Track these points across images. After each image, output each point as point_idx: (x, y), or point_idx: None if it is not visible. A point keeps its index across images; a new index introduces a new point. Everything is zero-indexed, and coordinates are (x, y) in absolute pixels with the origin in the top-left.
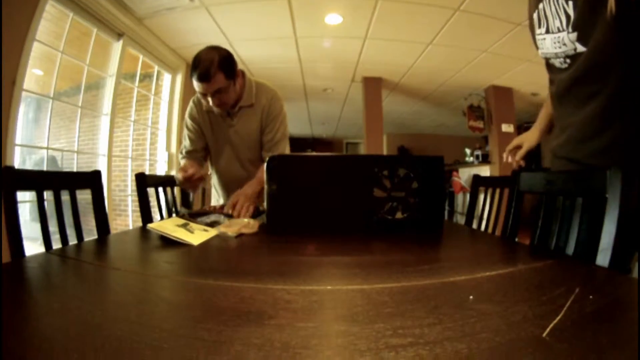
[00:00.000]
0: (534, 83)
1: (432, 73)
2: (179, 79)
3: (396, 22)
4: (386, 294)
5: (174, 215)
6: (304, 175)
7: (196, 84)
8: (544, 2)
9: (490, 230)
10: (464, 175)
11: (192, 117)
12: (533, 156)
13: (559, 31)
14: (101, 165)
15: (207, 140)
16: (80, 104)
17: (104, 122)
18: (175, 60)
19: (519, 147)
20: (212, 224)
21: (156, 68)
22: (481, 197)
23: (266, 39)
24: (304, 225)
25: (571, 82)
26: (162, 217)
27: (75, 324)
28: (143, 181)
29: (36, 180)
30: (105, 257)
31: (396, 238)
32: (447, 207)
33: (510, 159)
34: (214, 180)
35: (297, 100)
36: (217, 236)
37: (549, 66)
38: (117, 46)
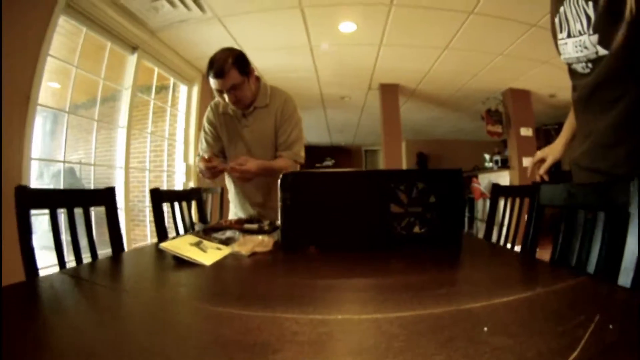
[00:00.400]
0: (551, 85)
1: (449, 78)
2: (195, 90)
3: (411, 27)
4: (399, 324)
5: (190, 230)
6: (319, 191)
7: (212, 82)
8: (565, 5)
9: (510, 240)
10: (483, 181)
11: (209, 121)
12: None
13: (580, 34)
14: (118, 178)
15: (223, 143)
16: (96, 117)
17: (120, 134)
18: (190, 72)
19: (542, 160)
20: (227, 241)
21: (172, 80)
22: (501, 203)
23: (281, 49)
24: (319, 242)
25: (593, 87)
26: (177, 233)
27: (78, 351)
28: (158, 197)
29: (50, 199)
30: (116, 278)
31: (413, 255)
32: (467, 214)
33: (534, 173)
34: (231, 194)
35: (315, 109)
36: (230, 255)
37: (572, 72)
38: (132, 59)
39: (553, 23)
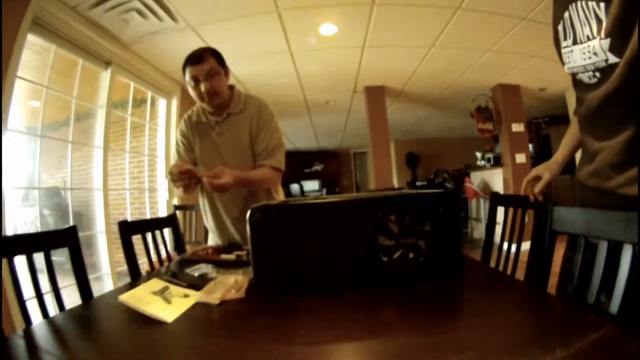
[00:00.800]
0: (541, 78)
1: (437, 76)
2: (175, 103)
3: (394, 27)
4: None
5: (165, 264)
6: (293, 226)
7: (189, 70)
8: (571, 10)
9: (511, 261)
10: (476, 180)
11: (182, 132)
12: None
13: (589, 39)
14: (97, 200)
15: (195, 157)
16: (70, 138)
17: (97, 154)
18: (168, 85)
19: (537, 178)
20: (199, 280)
21: (150, 94)
22: (500, 212)
23: (259, 55)
24: (297, 284)
25: (603, 101)
26: (151, 264)
27: None
28: (127, 230)
29: (6, 246)
30: (64, 343)
31: (409, 297)
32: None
33: (528, 192)
34: (207, 219)
35: (300, 115)
36: (197, 304)
37: (576, 83)
38: (105, 75)
39: (556, 31)
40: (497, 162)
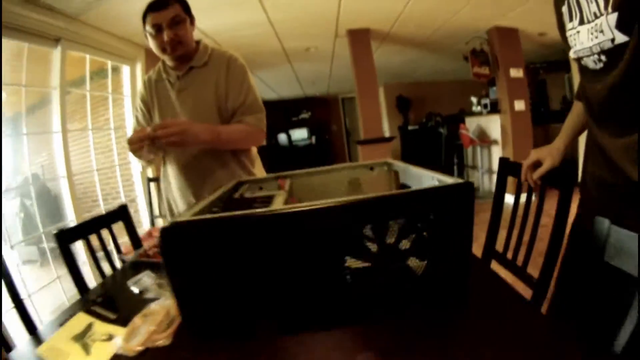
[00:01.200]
0: (541, 22)
1: (426, 17)
2: (139, 68)
3: None
4: None
5: (116, 270)
6: (231, 246)
7: (150, 17)
8: None
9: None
10: (471, 126)
11: (141, 97)
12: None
13: (596, 17)
14: (64, 188)
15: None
16: (25, 129)
17: (57, 140)
18: (130, 50)
19: (537, 162)
20: (139, 296)
21: (109, 63)
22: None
23: (224, 4)
24: (241, 324)
25: (609, 94)
26: (103, 275)
27: None
28: (66, 239)
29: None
30: None
31: (393, 338)
32: (456, 160)
33: (528, 178)
34: (169, 186)
35: (279, 64)
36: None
37: (582, 69)
38: (56, 54)
39: (560, 13)
40: (494, 108)
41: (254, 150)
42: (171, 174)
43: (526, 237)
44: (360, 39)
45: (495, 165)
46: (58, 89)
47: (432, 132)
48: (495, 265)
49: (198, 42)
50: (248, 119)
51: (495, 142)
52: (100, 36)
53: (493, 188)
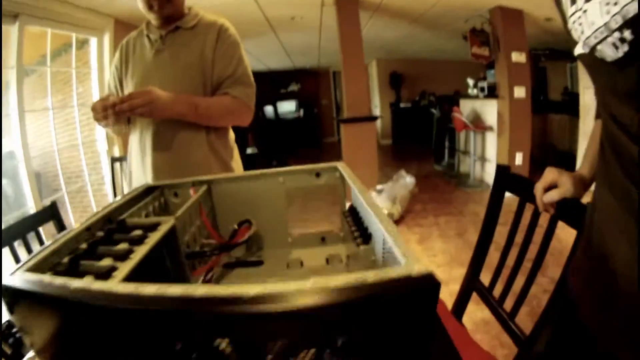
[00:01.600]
0: (548, 5)
1: None
2: (107, 39)
3: None
4: None
5: None
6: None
7: None
8: None
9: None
10: (465, 109)
11: (115, 63)
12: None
13: None
14: (22, 173)
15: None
16: None
17: (14, 121)
18: (96, 20)
19: (553, 184)
20: None
21: (74, 36)
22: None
23: None
24: None
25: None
26: None
27: None
28: None
29: None
30: None
31: None
32: (447, 144)
33: (540, 204)
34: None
35: (263, 34)
36: None
37: (597, 68)
38: (13, 30)
39: (559, 2)
40: (491, 92)
41: (232, 137)
42: (133, 148)
43: (520, 281)
44: (347, 8)
45: (489, 153)
46: (15, 68)
47: (425, 112)
48: (475, 303)
49: (189, 9)
50: (235, 92)
51: (490, 128)
52: (63, 8)
53: (484, 176)
